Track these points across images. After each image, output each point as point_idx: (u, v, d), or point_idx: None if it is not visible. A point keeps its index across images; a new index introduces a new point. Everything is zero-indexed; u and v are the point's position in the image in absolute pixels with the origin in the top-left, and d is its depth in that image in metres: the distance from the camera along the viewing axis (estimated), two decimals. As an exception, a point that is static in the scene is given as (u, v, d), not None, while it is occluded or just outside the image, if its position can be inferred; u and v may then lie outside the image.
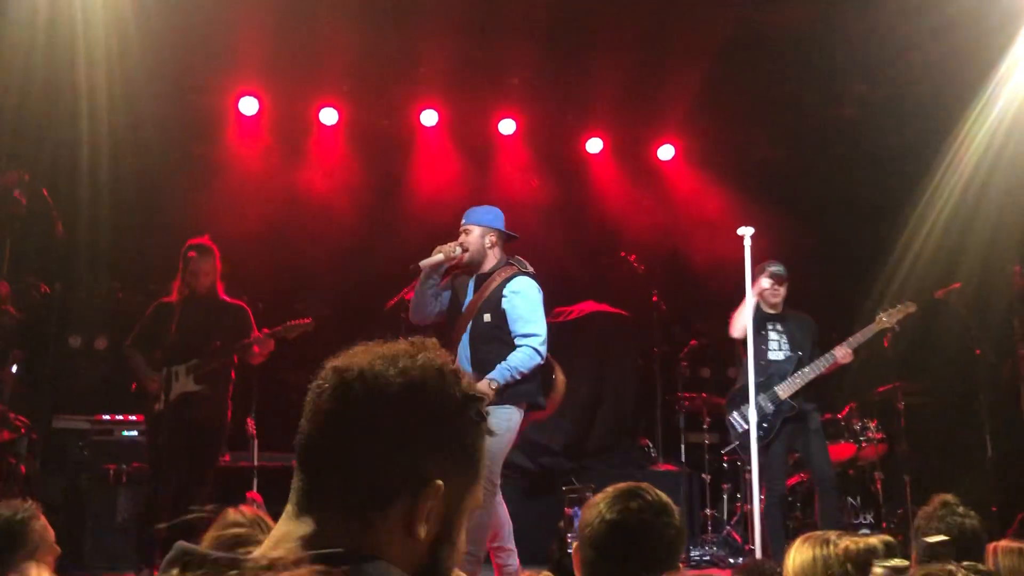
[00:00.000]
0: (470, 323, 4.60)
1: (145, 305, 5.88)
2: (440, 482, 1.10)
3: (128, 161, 7.13)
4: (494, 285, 4.62)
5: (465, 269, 4.74)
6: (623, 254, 7.74)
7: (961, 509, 2.95)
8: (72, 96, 6.60)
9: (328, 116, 8.10)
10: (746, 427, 5.36)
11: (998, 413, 5.71)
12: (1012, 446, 6.31)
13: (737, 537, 6.63)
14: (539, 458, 7.16)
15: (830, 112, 8.02)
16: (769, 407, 5.57)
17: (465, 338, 4.62)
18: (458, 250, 4.67)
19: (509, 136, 8.48)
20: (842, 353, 5.54)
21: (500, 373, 4.45)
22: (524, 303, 4.58)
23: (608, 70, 7.58)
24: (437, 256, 4.66)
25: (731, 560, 6.29)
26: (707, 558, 6.45)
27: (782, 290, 5.71)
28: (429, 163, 8.36)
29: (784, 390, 5.60)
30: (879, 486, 6.45)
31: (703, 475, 7.11)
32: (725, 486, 7.15)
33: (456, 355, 4.66)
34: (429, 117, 8.24)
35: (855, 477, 6.62)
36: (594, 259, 8.49)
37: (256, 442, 6.30)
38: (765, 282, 5.65)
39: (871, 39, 7.01)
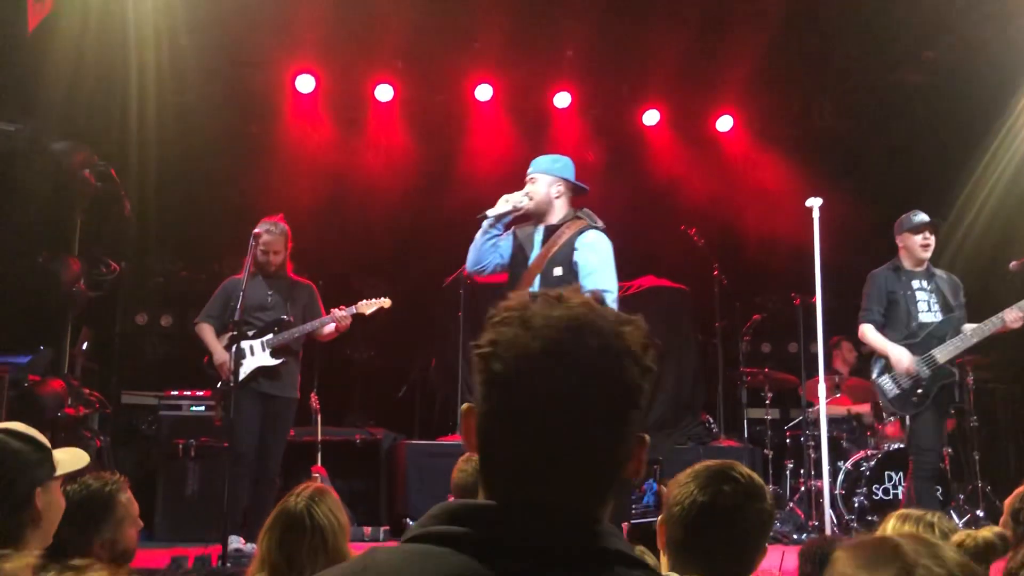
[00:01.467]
0: (538, 277, 4.35)
1: (209, 283, 5.97)
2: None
3: (188, 141, 7.23)
4: (564, 238, 4.36)
5: (531, 220, 4.50)
6: (682, 228, 7.64)
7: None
8: (128, 77, 6.68)
9: (383, 93, 8.11)
10: (898, 392, 5.13)
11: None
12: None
13: (800, 513, 6.55)
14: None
15: (892, 79, 7.79)
16: (925, 372, 5.07)
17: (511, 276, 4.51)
18: (525, 200, 4.41)
19: (564, 109, 8.41)
20: (1012, 317, 4.99)
21: None
22: (597, 257, 4.35)
23: (664, 41, 7.46)
24: (503, 205, 4.41)
25: (794, 536, 6.22)
26: (771, 535, 6.38)
27: (933, 241, 5.21)
28: (484, 138, 8.33)
29: (942, 354, 5.08)
30: (947, 463, 6.31)
31: (764, 451, 7.02)
32: (788, 462, 7.06)
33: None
34: (484, 92, 8.20)
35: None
36: (653, 233, 8.40)
37: (320, 417, 6.37)
38: (916, 238, 5.19)
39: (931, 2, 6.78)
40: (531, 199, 4.42)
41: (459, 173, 8.23)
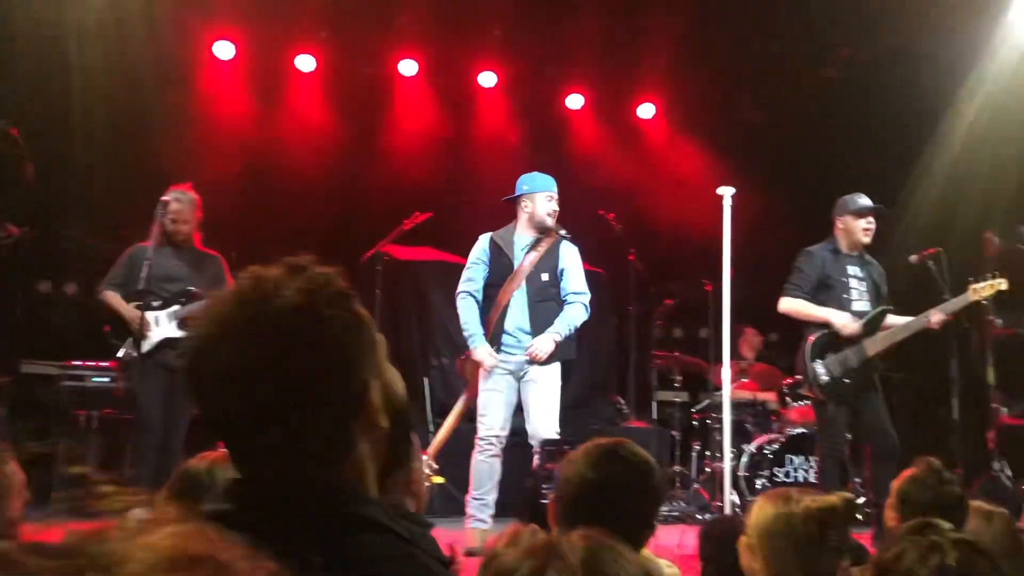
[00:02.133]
0: (525, 282, 5.04)
1: (116, 251, 5.79)
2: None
3: (100, 105, 6.98)
4: (547, 246, 5.11)
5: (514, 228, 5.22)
6: (601, 212, 7.71)
7: (946, 474, 2.84)
8: (40, 37, 6.42)
9: (305, 63, 7.96)
10: (829, 379, 5.07)
11: (966, 379, 5.80)
12: (977, 412, 6.44)
13: (704, 494, 6.73)
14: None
15: (809, 74, 8.00)
16: (855, 363, 5.05)
17: (521, 297, 5.02)
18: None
19: (489, 89, 8.39)
20: (937, 319, 5.00)
21: (562, 328, 5.01)
22: (577, 263, 5.20)
23: (588, 25, 7.51)
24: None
25: (698, 516, 6.40)
26: (675, 514, 6.55)
27: (875, 226, 5.15)
28: (407, 114, 8.27)
29: (873, 347, 5.06)
30: (847, 449, 6.54)
31: (673, 433, 7.18)
32: (695, 444, 7.24)
33: (504, 312, 4.98)
34: (408, 67, 8.13)
35: (822, 438, 6.70)
36: (572, 216, 8.45)
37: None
38: (859, 222, 5.14)
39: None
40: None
41: (381, 148, 8.15)
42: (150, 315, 5.19)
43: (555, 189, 5.25)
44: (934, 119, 7.41)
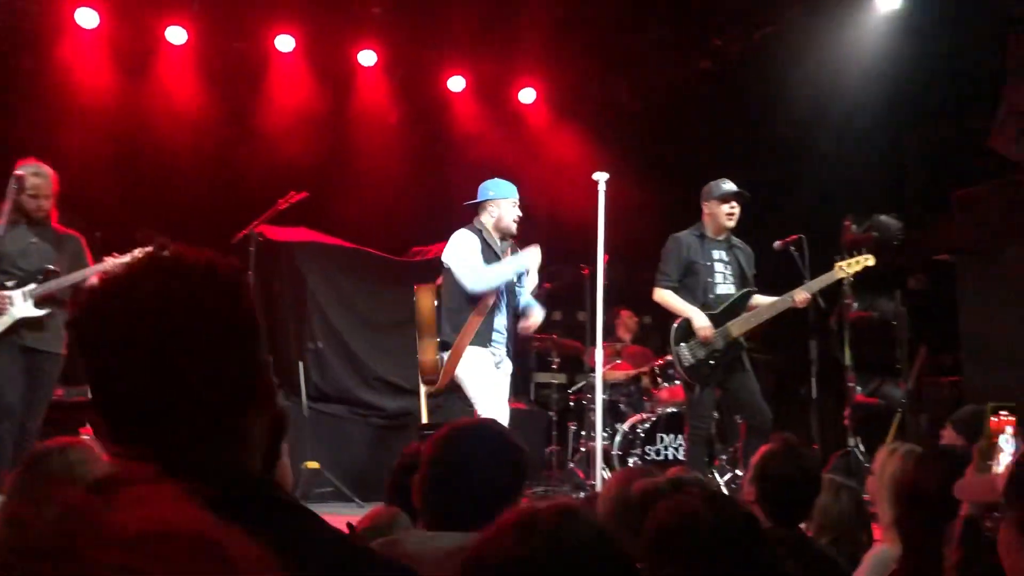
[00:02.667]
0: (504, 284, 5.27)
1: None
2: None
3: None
4: (511, 246, 5.36)
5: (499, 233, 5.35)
6: (481, 195, 7.72)
7: (802, 449, 2.98)
8: None
9: (176, 35, 7.64)
10: (693, 362, 5.26)
11: (824, 360, 6.09)
12: (833, 390, 6.78)
13: (580, 473, 6.86)
14: (395, 397, 7.18)
15: (685, 64, 8.20)
16: (720, 344, 5.22)
17: (502, 298, 5.21)
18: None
19: (369, 68, 8.26)
20: (801, 297, 5.19)
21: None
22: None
23: (468, 7, 7.48)
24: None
25: (572, 495, 6.51)
26: (551, 494, 6.66)
27: (738, 211, 5.31)
28: (284, 91, 8.05)
29: (737, 328, 5.24)
30: (713, 427, 6.79)
31: (550, 413, 7.29)
32: (571, 424, 7.37)
33: (492, 311, 5.13)
34: (285, 42, 7.90)
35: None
36: (454, 199, 8.44)
37: (91, 377, 5.99)
38: (723, 207, 5.30)
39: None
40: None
41: (255, 126, 7.92)
42: (4, 294, 4.94)
43: (517, 195, 5.37)
44: (802, 110, 7.72)
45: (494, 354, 5.16)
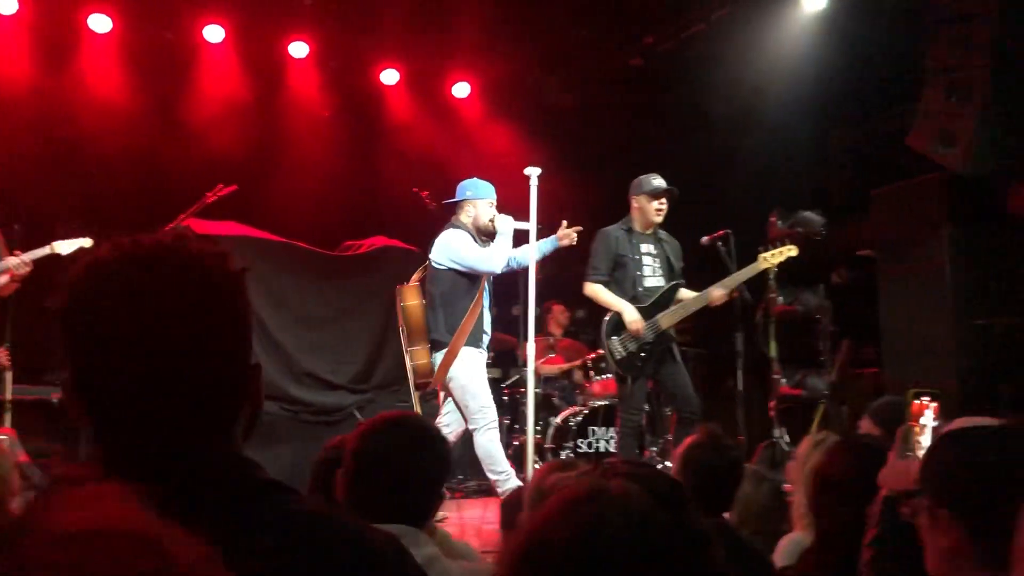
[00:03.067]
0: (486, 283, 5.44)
1: None
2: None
3: None
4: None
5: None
6: (415, 189, 7.69)
7: (725, 439, 3.04)
8: None
9: (100, 23, 7.44)
10: (625, 355, 5.36)
11: (750, 351, 6.22)
12: (759, 382, 6.93)
13: (513, 467, 6.88)
14: (326, 393, 7.11)
15: (616, 61, 8.27)
16: (650, 336, 5.34)
17: (487, 298, 5.39)
18: None
19: (301, 60, 8.16)
20: (717, 294, 5.37)
21: None
22: None
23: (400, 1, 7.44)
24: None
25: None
26: (484, 488, 6.67)
27: (667, 207, 5.44)
28: (213, 82, 7.90)
29: (666, 320, 5.37)
30: (644, 419, 6.88)
31: (485, 409, 7.29)
32: (505, 419, 7.39)
33: (482, 311, 5.30)
34: (214, 33, 7.75)
35: (624, 410, 7.02)
36: (386, 193, 8.40)
37: (10, 375, 5.82)
38: (653, 203, 5.43)
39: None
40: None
41: (183, 117, 7.76)
42: None
43: (495, 196, 5.48)
44: (731, 108, 7.85)
45: (483, 354, 5.31)
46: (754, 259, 5.58)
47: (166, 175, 7.47)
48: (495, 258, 5.25)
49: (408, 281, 5.63)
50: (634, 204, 5.54)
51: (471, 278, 5.29)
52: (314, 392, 7.03)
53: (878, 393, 6.99)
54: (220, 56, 7.89)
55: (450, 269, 5.32)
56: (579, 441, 6.79)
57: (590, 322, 7.80)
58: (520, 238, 5.42)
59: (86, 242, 5.23)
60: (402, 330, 5.44)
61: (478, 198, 5.40)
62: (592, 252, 5.54)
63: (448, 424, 5.34)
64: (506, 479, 5.19)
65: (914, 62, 6.23)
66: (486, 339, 5.35)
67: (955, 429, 1.74)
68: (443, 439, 2.24)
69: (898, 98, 7.07)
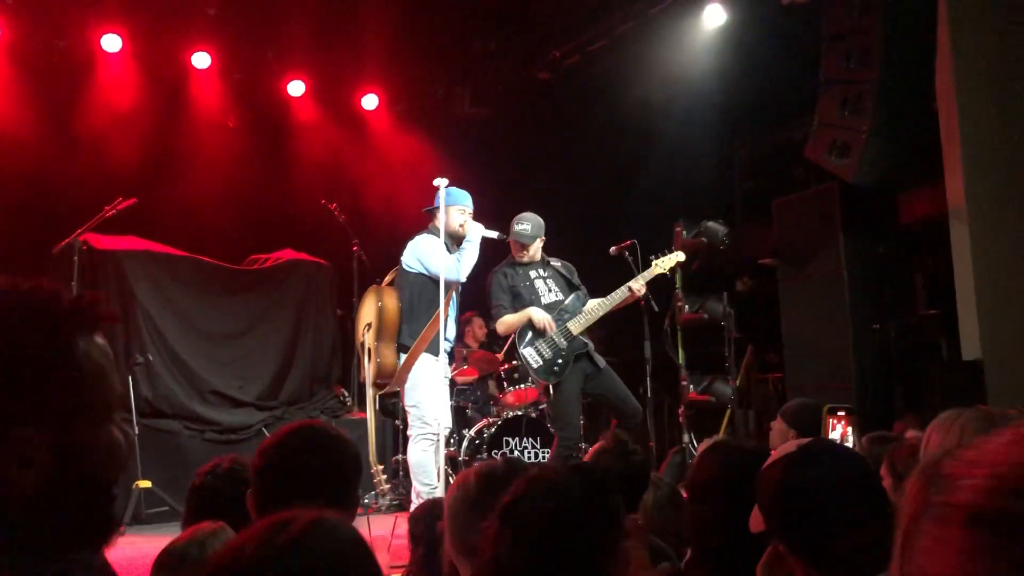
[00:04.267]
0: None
1: None
2: (26, 431, 1.03)
3: None
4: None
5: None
6: (324, 202, 7.61)
7: (631, 445, 3.10)
8: None
9: (-13, 31, 7.14)
10: (541, 362, 5.42)
11: (659, 359, 6.32)
12: (667, 389, 7.06)
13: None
14: (232, 411, 6.94)
15: (524, 74, 8.34)
16: (563, 343, 5.46)
17: (453, 308, 5.34)
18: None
19: (203, 70, 7.97)
20: (638, 286, 5.50)
21: None
22: None
23: (306, 10, 7.36)
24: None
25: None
26: (396, 503, 6.61)
27: (526, 253, 5.59)
28: (111, 93, 7.65)
29: (576, 326, 5.49)
30: (580, 436, 6.89)
31: (396, 421, 7.24)
32: (418, 432, 7.33)
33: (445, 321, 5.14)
34: (112, 42, 7.52)
35: (538, 419, 7.03)
36: (295, 206, 8.27)
37: None
38: (521, 249, 5.60)
39: (562, 4, 7.38)
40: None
41: (79, 129, 7.49)
42: None
43: (469, 204, 5.48)
44: (637, 121, 8.00)
45: (440, 363, 5.25)
46: (650, 256, 5.75)
47: (62, 189, 7.20)
48: (460, 266, 5.27)
49: (382, 283, 5.62)
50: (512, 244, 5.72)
51: (439, 284, 5.21)
52: (220, 410, 6.85)
53: (781, 397, 7.21)
54: (118, 66, 7.66)
55: (420, 274, 5.34)
56: (493, 452, 6.77)
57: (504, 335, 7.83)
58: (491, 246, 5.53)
59: None
60: (366, 329, 5.36)
61: (448, 204, 5.38)
62: (489, 293, 5.69)
63: (413, 432, 5.36)
64: (430, 491, 5.15)
65: (812, 75, 6.45)
66: (447, 348, 5.32)
67: (770, 461, 1.76)
68: (348, 441, 2.16)
69: (798, 110, 7.32)
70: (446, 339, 5.25)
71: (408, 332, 5.24)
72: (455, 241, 5.44)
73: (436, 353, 5.21)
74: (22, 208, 7.14)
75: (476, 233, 5.37)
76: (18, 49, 7.32)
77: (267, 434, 6.71)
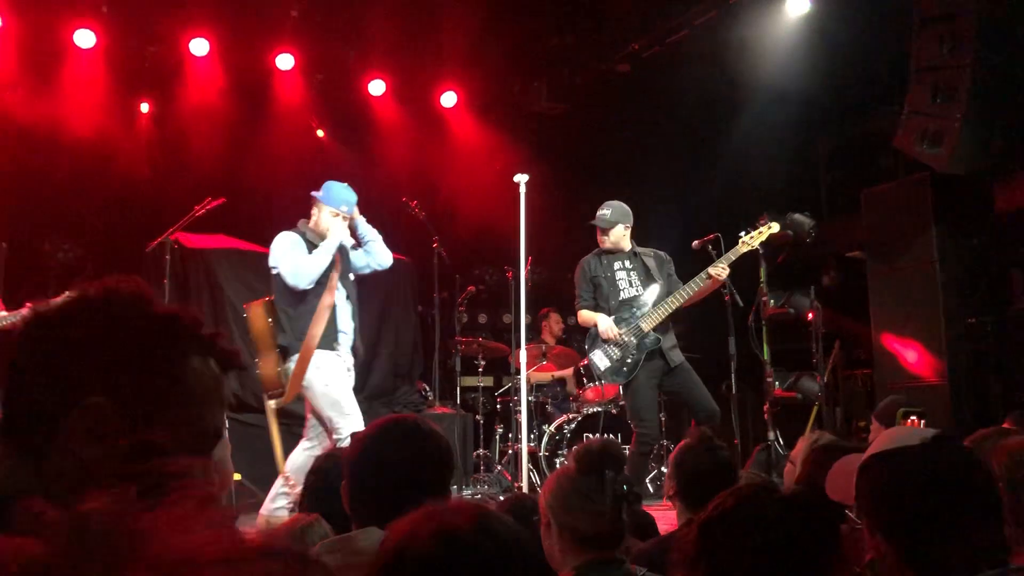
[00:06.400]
0: (344, 280, 5.17)
1: None
2: (99, 399, 1.03)
3: None
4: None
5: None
6: (404, 200, 7.69)
7: (716, 442, 3.03)
8: None
9: (84, 38, 7.40)
10: (609, 364, 5.40)
11: (743, 355, 6.22)
12: (752, 386, 6.94)
13: (508, 476, 6.87)
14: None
15: (602, 67, 8.28)
16: (632, 341, 5.38)
17: (345, 284, 5.16)
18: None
19: (287, 72, 8.14)
20: (717, 271, 5.35)
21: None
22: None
23: (386, 9, 7.44)
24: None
25: (500, 498, 6.51)
26: (478, 496, 6.64)
27: (607, 239, 5.54)
28: (199, 95, 7.87)
29: (647, 322, 5.39)
30: (658, 431, 6.84)
31: (476, 417, 7.29)
32: (498, 427, 7.38)
33: (334, 312, 5.01)
34: (200, 46, 7.73)
35: (617, 415, 7.00)
36: (375, 204, 8.37)
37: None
38: (601, 237, 5.56)
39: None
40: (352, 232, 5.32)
41: (170, 131, 7.74)
42: None
43: (346, 207, 5.19)
44: (717, 112, 7.88)
45: (340, 356, 5.03)
46: (743, 259, 5.58)
47: (154, 189, 7.44)
48: (301, 272, 4.92)
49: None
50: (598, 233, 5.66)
51: (319, 280, 4.99)
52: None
53: (870, 394, 7.02)
54: (206, 69, 7.87)
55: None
56: (574, 448, 6.76)
57: (582, 330, 7.81)
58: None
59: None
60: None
61: (323, 203, 5.15)
62: (575, 283, 5.69)
63: (312, 440, 5.06)
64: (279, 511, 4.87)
65: (899, 63, 6.26)
66: (345, 340, 5.06)
67: (884, 450, 1.70)
68: (439, 434, 2.16)
69: (883, 99, 7.11)
70: (341, 331, 5.01)
71: (293, 334, 4.91)
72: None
73: (332, 347, 4.97)
74: (118, 207, 7.40)
75: (333, 240, 5.03)
76: (112, 54, 7.58)
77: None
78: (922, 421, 4.79)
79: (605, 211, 5.59)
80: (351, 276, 5.27)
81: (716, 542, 1.40)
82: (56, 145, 7.33)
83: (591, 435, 6.87)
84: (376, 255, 5.39)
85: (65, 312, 1.07)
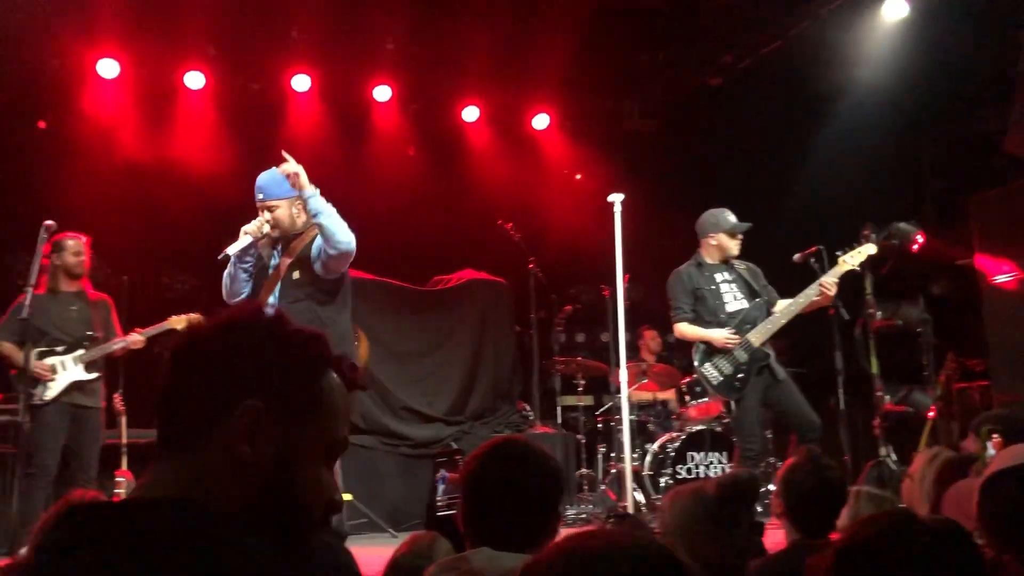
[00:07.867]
0: (279, 285, 4.48)
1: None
2: (257, 402, 1.12)
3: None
4: (304, 242, 4.49)
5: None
6: (500, 222, 7.81)
7: (825, 460, 2.97)
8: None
9: (194, 80, 7.80)
10: (721, 378, 5.28)
11: (851, 369, 6.07)
12: (861, 400, 6.74)
13: (611, 495, 6.85)
14: (421, 426, 7.23)
15: (694, 81, 8.25)
16: (743, 356, 5.25)
17: (272, 299, 4.45)
18: (267, 227, 4.49)
19: (384, 103, 8.39)
20: (829, 282, 5.22)
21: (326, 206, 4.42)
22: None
23: (480, 37, 7.60)
24: (246, 239, 4.44)
25: (605, 518, 6.49)
26: (583, 516, 6.65)
27: (733, 244, 5.46)
28: (301, 129, 8.17)
29: (756, 337, 5.26)
30: (762, 446, 6.72)
31: (578, 436, 7.29)
32: (600, 447, 7.37)
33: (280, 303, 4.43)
34: (301, 82, 8.04)
35: (722, 433, 6.91)
36: (472, 228, 8.52)
37: (124, 419, 6.09)
38: (725, 240, 5.45)
39: (734, 9, 7.25)
40: (274, 226, 4.50)
41: (271, 164, 8.01)
42: (55, 360, 5.38)
43: (267, 196, 4.54)
44: (815, 121, 7.75)
45: None
46: (835, 253, 5.46)
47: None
48: (224, 288, 4.53)
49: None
50: (711, 241, 5.52)
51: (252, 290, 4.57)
52: (412, 425, 7.16)
53: (988, 407, 6.73)
54: (307, 103, 8.17)
55: None
56: (678, 467, 6.71)
57: (682, 347, 7.74)
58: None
59: (196, 317, 5.64)
60: None
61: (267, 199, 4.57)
62: (670, 294, 5.54)
63: None
64: None
65: (999, 66, 6.05)
66: None
67: (1008, 467, 1.64)
68: (550, 456, 2.16)
69: (988, 101, 6.87)
70: None
71: None
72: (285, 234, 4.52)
73: None
74: (229, 240, 7.70)
75: (240, 242, 4.44)
76: (219, 94, 7.95)
77: (452, 446, 6.93)
78: (1001, 439, 4.56)
79: (704, 217, 5.50)
80: (301, 274, 4.42)
81: (856, 572, 1.36)
82: (170, 182, 7.71)
83: (695, 454, 6.78)
84: (327, 235, 4.28)
85: (220, 324, 1.18)
